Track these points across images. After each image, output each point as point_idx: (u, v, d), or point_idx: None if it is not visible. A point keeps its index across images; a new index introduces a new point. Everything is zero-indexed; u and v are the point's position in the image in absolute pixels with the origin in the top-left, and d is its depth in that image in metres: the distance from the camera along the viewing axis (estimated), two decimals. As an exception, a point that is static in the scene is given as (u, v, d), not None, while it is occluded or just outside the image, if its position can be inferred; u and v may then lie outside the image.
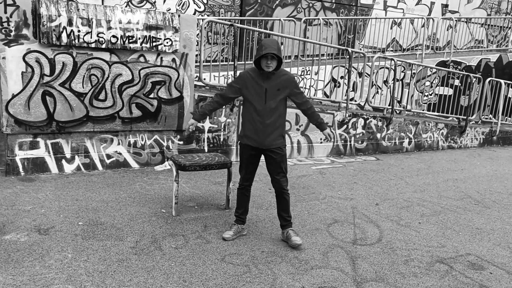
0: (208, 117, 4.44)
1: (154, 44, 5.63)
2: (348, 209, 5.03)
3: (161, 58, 5.77)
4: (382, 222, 4.69)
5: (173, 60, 5.85)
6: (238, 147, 4.18)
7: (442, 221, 4.85)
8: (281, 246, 3.91)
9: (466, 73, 9.86)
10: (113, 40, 5.38)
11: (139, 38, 5.53)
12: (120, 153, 5.86)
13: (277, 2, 11.01)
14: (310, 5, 11.49)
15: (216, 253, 3.68)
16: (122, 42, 5.44)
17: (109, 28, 5.34)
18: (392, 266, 3.69)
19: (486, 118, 10.69)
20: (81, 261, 3.38)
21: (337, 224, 4.54)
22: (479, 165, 7.83)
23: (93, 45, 5.31)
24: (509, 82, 11.02)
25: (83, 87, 5.41)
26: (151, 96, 5.82)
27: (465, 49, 13.31)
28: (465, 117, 9.38)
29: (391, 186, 6.11)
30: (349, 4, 12.12)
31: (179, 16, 5.77)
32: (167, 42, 5.70)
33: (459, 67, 12.18)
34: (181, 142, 6.22)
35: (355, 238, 4.24)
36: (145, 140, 5.97)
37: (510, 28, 14.00)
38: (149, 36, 5.58)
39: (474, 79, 9.75)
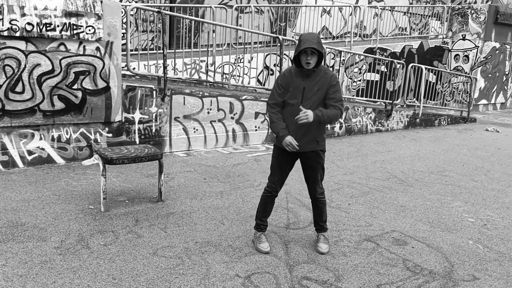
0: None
1: (75, 32, 5.31)
2: (282, 194, 5.11)
3: (84, 46, 5.46)
4: (314, 205, 4.82)
5: (97, 48, 5.57)
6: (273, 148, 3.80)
7: (369, 201, 5.09)
8: (215, 236, 3.90)
9: (391, 60, 10.35)
10: (28, 27, 5.01)
11: (58, 26, 5.19)
12: (43, 149, 5.51)
13: (208, -11, 10.83)
14: (242, -8, 11.44)
15: (147, 247, 3.59)
16: (38, 30, 5.08)
17: (23, 14, 4.95)
18: (323, 248, 3.80)
19: (410, 102, 11.33)
20: (-1, 266, 3.15)
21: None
22: (404, 147, 8.30)
23: (5, 33, 4.90)
24: (429, 67, 11.74)
25: (-4, 79, 5.00)
26: (75, 87, 5.51)
27: (390, 36, 13.98)
28: (391, 101, 9.87)
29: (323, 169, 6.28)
30: (280, -8, 12.22)
31: (101, 2, 5.48)
32: (89, 30, 5.40)
33: (385, 54, 12.77)
34: (110, 135, 5.97)
35: (288, 222, 4.32)
36: (71, 134, 5.66)
37: (430, 16, 14.87)
38: (69, 23, 5.25)
39: (398, 65, 10.27)
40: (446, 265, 3.63)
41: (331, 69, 10.38)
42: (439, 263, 3.65)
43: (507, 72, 14.89)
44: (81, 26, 5.34)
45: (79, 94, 5.56)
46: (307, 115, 3.36)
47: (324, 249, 3.73)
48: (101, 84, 5.69)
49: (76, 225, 3.91)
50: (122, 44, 5.87)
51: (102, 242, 3.62)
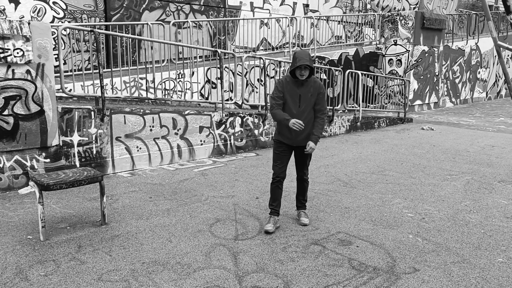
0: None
1: (1, 55, 5.08)
2: (230, 206, 5.13)
3: (13, 70, 5.23)
4: (262, 214, 4.88)
5: (28, 71, 5.35)
6: (273, 143, 4.63)
7: (315, 205, 5.22)
8: (163, 254, 3.84)
9: (329, 67, 10.72)
10: (-51, 53, 4.73)
11: (-17, 50, 4.95)
12: (-27, 180, 5.18)
13: (144, 6, 10.75)
14: (179, 8, 11.45)
15: (92, 273, 3.47)
16: (-39, 55, 4.81)
17: None
18: (271, 255, 3.86)
19: (351, 107, 11.77)
20: None
21: (219, 223, 4.60)
22: (346, 150, 8.59)
23: None
24: (366, 72, 12.28)
25: None
26: (5, 113, 5.25)
27: (327, 45, 14.49)
28: (332, 107, 10.21)
29: (270, 178, 6.34)
30: (217, 6, 12.35)
31: (29, 23, 5.29)
32: (17, 53, 5.19)
33: (323, 62, 13.21)
34: (48, 160, 5.73)
35: (237, 233, 4.34)
36: (4, 162, 5.37)
37: (363, 24, 15.59)
38: (-5, 47, 5.02)
39: (337, 72, 10.65)
40: (389, 260, 3.79)
41: (272, 79, 10.59)
42: (382, 259, 3.81)
43: (437, 73, 15.86)
44: (8, 49, 5.12)
45: (11, 120, 5.31)
46: (312, 148, 4.34)
47: (306, 221, 4.58)
48: (34, 108, 5.46)
49: (14, 257, 3.71)
50: (56, 66, 5.68)
51: (42, 273, 3.45)
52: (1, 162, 5.35)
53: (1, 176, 5.38)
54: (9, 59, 5.14)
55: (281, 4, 14.20)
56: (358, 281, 3.42)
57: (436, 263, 3.75)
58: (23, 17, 8.86)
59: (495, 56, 19.01)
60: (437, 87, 16.10)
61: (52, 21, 9.24)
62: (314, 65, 4.30)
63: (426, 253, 3.96)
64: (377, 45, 15.06)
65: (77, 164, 6.02)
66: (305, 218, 4.62)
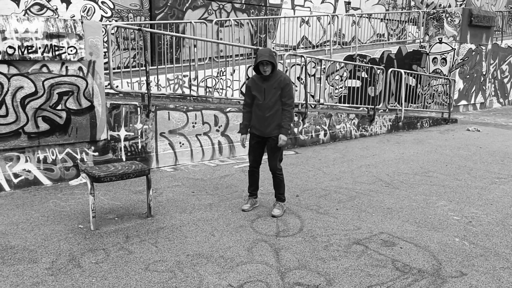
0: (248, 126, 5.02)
1: (57, 53, 5.34)
2: (270, 203, 5.17)
3: (66, 67, 5.49)
4: (302, 212, 4.89)
5: (80, 68, 5.59)
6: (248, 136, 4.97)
7: (357, 205, 5.17)
8: (206, 248, 3.92)
9: (371, 66, 10.55)
10: (10, 51, 5.02)
11: (40, 48, 5.22)
12: (29, 171, 5.48)
13: (187, 4, 10.97)
14: (221, 6, 11.60)
15: (139, 263, 3.60)
16: (20, 53, 5.09)
17: (4, 38, 4.97)
18: (313, 253, 3.86)
19: (392, 106, 11.54)
20: (-10, 290, 3.13)
21: (261, 219, 4.65)
22: (388, 150, 8.44)
23: (-14, 58, 4.91)
24: (409, 71, 12.00)
25: (-21, 104, 4.99)
26: (59, 107, 5.52)
27: (369, 43, 14.25)
28: (373, 107, 10.05)
29: (309, 177, 6.37)
30: (258, 5, 12.41)
31: (82, 22, 5.53)
32: (71, 50, 5.43)
33: (364, 60, 13.01)
34: (97, 153, 5.97)
35: (278, 230, 4.37)
36: (56, 155, 5.64)
37: (406, 21, 15.22)
38: (51, 45, 5.28)
39: (378, 70, 10.48)
40: (434, 263, 3.71)
41: (312, 77, 10.54)
42: (427, 262, 3.74)
43: (484, 73, 15.27)
44: (63, 47, 5.37)
45: (64, 114, 5.57)
46: (284, 140, 4.64)
47: (276, 213, 4.74)
48: (85, 103, 5.71)
49: (67, 245, 3.91)
50: (105, 63, 5.91)
51: (93, 260, 3.62)
52: (54, 155, 5.63)
53: (53, 168, 5.66)
54: (63, 56, 5.39)
55: (322, 2, 14.09)
56: (403, 283, 3.37)
57: (484, 268, 3.64)
58: (74, 16, 9.25)
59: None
60: (484, 87, 15.51)
61: (100, 20, 9.59)
62: (275, 60, 4.59)
63: (474, 257, 3.85)
64: (421, 43, 14.66)
65: (123, 158, 6.24)
66: (277, 209, 4.79)
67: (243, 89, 9.88)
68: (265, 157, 4.94)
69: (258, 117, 4.71)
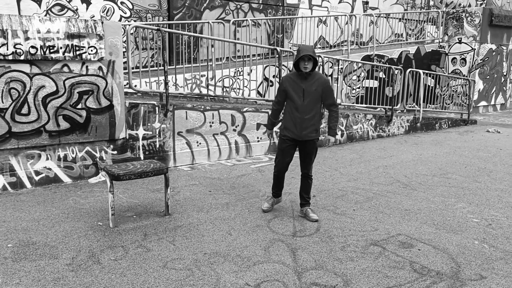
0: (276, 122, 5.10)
1: (77, 52, 5.44)
2: (287, 203, 5.17)
3: (87, 66, 5.58)
4: (319, 212, 4.87)
5: (100, 68, 5.68)
6: (277, 139, 4.91)
7: (374, 206, 5.13)
8: (223, 246, 3.95)
9: (388, 66, 10.46)
10: (32, 51, 5.13)
11: (61, 48, 5.32)
12: (49, 169, 5.59)
13: (205, 5, 11.03)
14: (238, 6, 11.63)
15: (157, 261, 3.64)
16: (42, 53, 5.20)
17: (27, 38, 5.08)
18: (330, 254, 3.85)
19: (410, 107, 11.41)
20: (13, 284, 3.20)
21: (277, 219, 4.66)
22: (405, 151, 8.35)
23: (10, 57, 5.02)
24: (427, 71, 11.85)
25: (2, 102, 5.11)
26: (79, 106, 5.62)
27: (387, 43, 14.12)
28: (391, 107, 9.95)
29: (326, 177, 6.35)
30: (275, 5, 12.41)
31: (102, 22, 5.61)
32: (91, 50, 5.52)
33: (382, 60, 12.89)
34: (115, 152, 6.06)
35: (295, 230, 4.37)
36: (76, 153, 5.74)
37: (425, 21, 15.03)
38: (72, 44, 5.38)
39: (396, 71, 10.37)
40: (453, 266, 3.67)
41: (329, 77, 10.49)
42: (446, 264, 3.69)
43: (505, 73, 14.99)
44: (83, 47, 5.46)
45: (84, 113, 5.67)
46: (332, 142, 4.61)
47: (316, 217, 4.59)
48: (104, 102, 5.79)
49: (86, 241, 3.97)
50: (124, 63, 5.99)
51: (112, 257, 3.67)
52: (74, 153, 5.73)
53: (73, 166, 5.76)
54: (84, 56, 5.49)
55: (340, 2, 14.02)
56: (421, 285, 3.34)
57: (504, 272, 3.58)
58: (94, 16, 9.40)
59: None
60: (504, 87, 15.21)
61: (120, 20, 9.72)
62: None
63: (494, 260, 3.78)
64: (440, 43, 14.46)
65: (141, 156, 6.31)
66: (313, 214, 4.64)
67: (260, 89, 9.89)
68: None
69: (295, 119, 4.44)
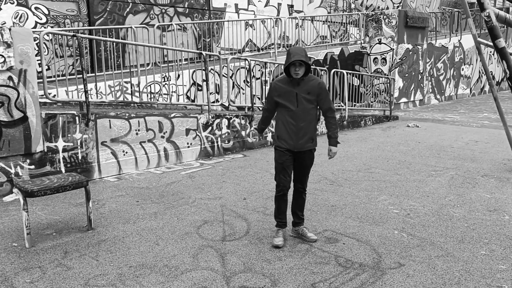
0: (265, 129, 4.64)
1: (-17, 62, 5.03)
2: (217, 208, 5.14)
3: (-5, 77, 5.19)
4: (249, 215, 4.89)
5: (10, 78, 5.30)
6: (274, 151, 4.25)
7: (302, 204, 5.24)
8: (150, 258, 3.83)
9: (314, 67, 10.78)
10: None
11: (-37, 57, 4.90)
12: (-43, 189, 5.12)
13: (127, 9, 10.71)
14: (163, 11, 11.42)
15: (78, 279, 3.45)
16: None
17: None
18: (259, 255, 3.88)
19: (338, 106, 11.84)
20: None
21: (207, 225, 4.61)
22: (333, 149, 8.64)
23: None
24: (351, 71, 12.37)
25: None
26: (-12, 120, 5.20)
27: (313, 45, 14.57)
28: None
29: (257, 179, 6.40)
30: (202, 9, 12.34)
31: (10, 29, 5.25)
32: (-1, 59, 5.14)
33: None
34: (33, 167, 5.68)
35: (224, 235, 4.35)
36: (-13, 170, 5.31)
37: (348, 23, 15.70)
38: (-25, 53, 4.97)
39: (322, 71, 10.72)
40: (375, 256, 3.84)
41: (258, 80, 10.61)
42: (368, 256, 3.85)
43: (421, 71, 16.04)
44: (-11, 55, 5.07)
45: (-6, 127, 5.25)
46: (334, 152, 4.20)
47: (315, 237, 4.20)
48: (17, 114, 5.41)
49: (-2, 265, 3.68)
50: (38, 71, 5.64)
51: (28, 280, 3.43)
52: (-15, 170, 5.29)
53: (-15, 184, 5.32)
54: (-10, 65, 5.09)
55: (266, 5, 14.25)
56: (345, 278, 3.46)
57: (420, 258, 3.81)
58: (5, 23, 8.77)
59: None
60: (422, 84, 16.28)
61: (35, 27, 9.15)
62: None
63: (411, 248, 4.01)
64: (362, 44, 15.18)
65: (63, 170, 5.98)
66: (310, 233, 4.24)
67: (190, 94, 9.78)
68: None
69: (290, 127, 4.00)
